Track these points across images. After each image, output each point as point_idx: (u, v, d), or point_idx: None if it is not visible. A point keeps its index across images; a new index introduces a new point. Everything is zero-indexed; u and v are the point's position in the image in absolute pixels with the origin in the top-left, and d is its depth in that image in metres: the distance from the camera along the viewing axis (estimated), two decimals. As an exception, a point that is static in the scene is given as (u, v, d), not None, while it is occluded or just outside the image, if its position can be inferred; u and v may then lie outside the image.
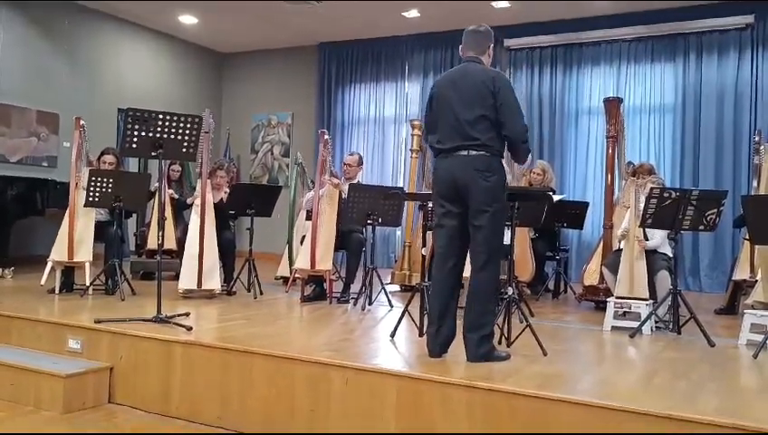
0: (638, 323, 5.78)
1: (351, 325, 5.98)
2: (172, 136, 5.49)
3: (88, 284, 6.79)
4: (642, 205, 5.96)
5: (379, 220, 7.01)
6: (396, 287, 8.46)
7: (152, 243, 8.48)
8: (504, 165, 4.60)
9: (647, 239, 6.37)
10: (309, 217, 7.62)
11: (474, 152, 4.39)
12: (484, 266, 4.41)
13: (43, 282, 6.77)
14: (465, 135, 4.40)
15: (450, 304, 4.56)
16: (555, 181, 9.20)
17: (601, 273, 7.04)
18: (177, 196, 8.63)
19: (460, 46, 4.72)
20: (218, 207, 7.42)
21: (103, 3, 10.87)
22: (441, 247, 4.59)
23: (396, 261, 9.32)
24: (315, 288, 7.33)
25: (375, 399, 4.10)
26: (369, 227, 7.08)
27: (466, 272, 4.63)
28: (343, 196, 7.18)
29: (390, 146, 12.22)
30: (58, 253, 6.84)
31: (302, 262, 7.17)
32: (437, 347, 4.52)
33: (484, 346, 4.44)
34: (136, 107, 5.50)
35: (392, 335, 5.19)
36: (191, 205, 7.57)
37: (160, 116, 5.45)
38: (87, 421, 4.59)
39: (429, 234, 6.09)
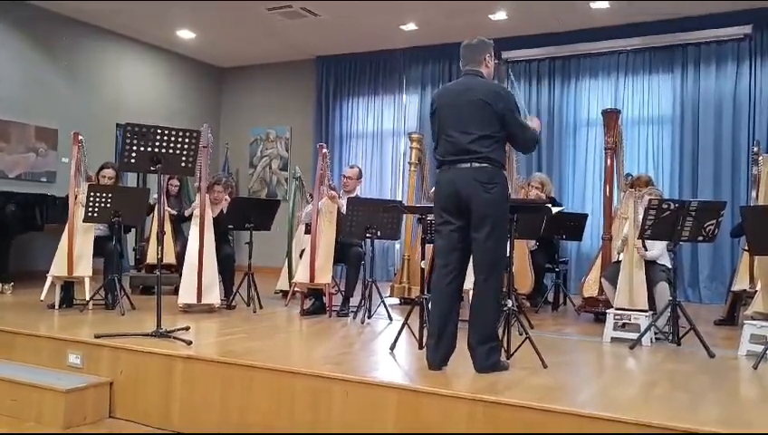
0: (638, 334, 5.78)
1: (351, 339, 5.98)
2: (171, 151, 5.48)
3: (88, 299, 6.80)
4: (641, 216, 5.97)
5: (378, 233, 7.01)
6: (395, 300, 8.45)
7: (152, 257, 8.48)
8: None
9: (646, 249, 6.37)
10: (308, 231, 7.62)
11: (476, 164, 4.41)
12: (488, 278, 4.44)
13: (42, 297, 6.79)
14: (467, 148, 4.43)
15: (451, 317, 4.55)
16: (554, 193, 9.20)
17: (601, 284, 7.04)
18: (174, 212, 8.63)
19: (460, 62, 4.76)
20: (217, 221, 7.42)
21: (102, 18, 10.92)
22: (442, 260, 4.58)
23: (395, 274, 9.31)
24: (315, 302, 7.32)
25: (375, 412, 4.09)
26: (368, 241, 7.08)
27: (466, 284, 4.65)
28: (342, 211, 7.18)
29: (389, 159, 12.24)
30: (58, 268, 6.85)
31: (301, 275, 7.17)
32: (438, 359, 4.51)
33: (492, 357, 4.48)
34: (134, 122, 5.52)
35: (392, 348, 5.18)
36: (190, 217, 7.56)
37: (159, 131, 5.44)
38: (87, 437, 4.60)
39: (428, 247, 6.11)
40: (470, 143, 4.42)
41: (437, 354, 4.51)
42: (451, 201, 4.49)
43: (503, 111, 4.46)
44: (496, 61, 4.86)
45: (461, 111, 4.50)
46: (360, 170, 8.12)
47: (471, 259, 4.56)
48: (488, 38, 4.77)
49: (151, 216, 8.49)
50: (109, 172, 7.39)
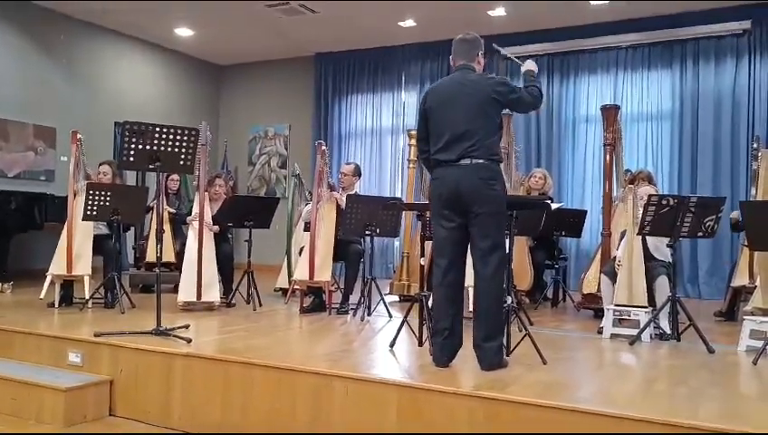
0: (638, 330, 5.78)
1: (351, 336, 5.98)
2: (169, 149, 5.47)
3: (87, 297, 6.79)
4: (639, 211, 5.97)
5: (378, 231, 7.01)
6: (394, 298, 8.44)
7: (151, 256, 8.46)
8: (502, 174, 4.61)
9: (648, 254, 6.33)
10: (307, 229, 7.61)
11: (476, 161, 4.40)
12: (494, 274, 4.43)
13: (42, 296, 6.77)
14: (467, 144, 4.40)
15: (459, 313, 4.56)
16: (553, 189, 9.20)
17: (600, 280, 7.03)
18: (173, 210, 8.62)
19: (450, 56, 4.74)
20: (216, 219, 7.41)
21: (100, 16, 10.91)
22: (444, 257, 4.54)
23: (394, 271, 9.31)
24: (314, 299, 7.32)
25: (376, 409, 4.09)
26: (368, 238, 7.08)
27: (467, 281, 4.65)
28: (342, 206, 7.17)
29: (388, 156, 12.23)
30: (57, 266, 6.85)
31: (300, 273, 7.17)
32: (446, 357, 4.52)
33: (499, 354, 4.48)
34: (133, 120, 5.52)
35: (391, 345, 5.18)
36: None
37: (157, 129, 5.43)
38: (87, 435, 4.60)
39: (428, 244, 6.10)
40: (473, 140, 4.39)
41: (447, 352, 4.52)
42: (452, 199, 4.45)
43: (511, 97, 4.51)
44: (496, 51, 4.84)
45: (464, 108, 4.46)
46: (357, 166, 8.09)
47: (471, 256, 4.55)
48: (482, 35, 4.76)
49: (151, 213, 8.50)
50: (104, 168, 7.38)
